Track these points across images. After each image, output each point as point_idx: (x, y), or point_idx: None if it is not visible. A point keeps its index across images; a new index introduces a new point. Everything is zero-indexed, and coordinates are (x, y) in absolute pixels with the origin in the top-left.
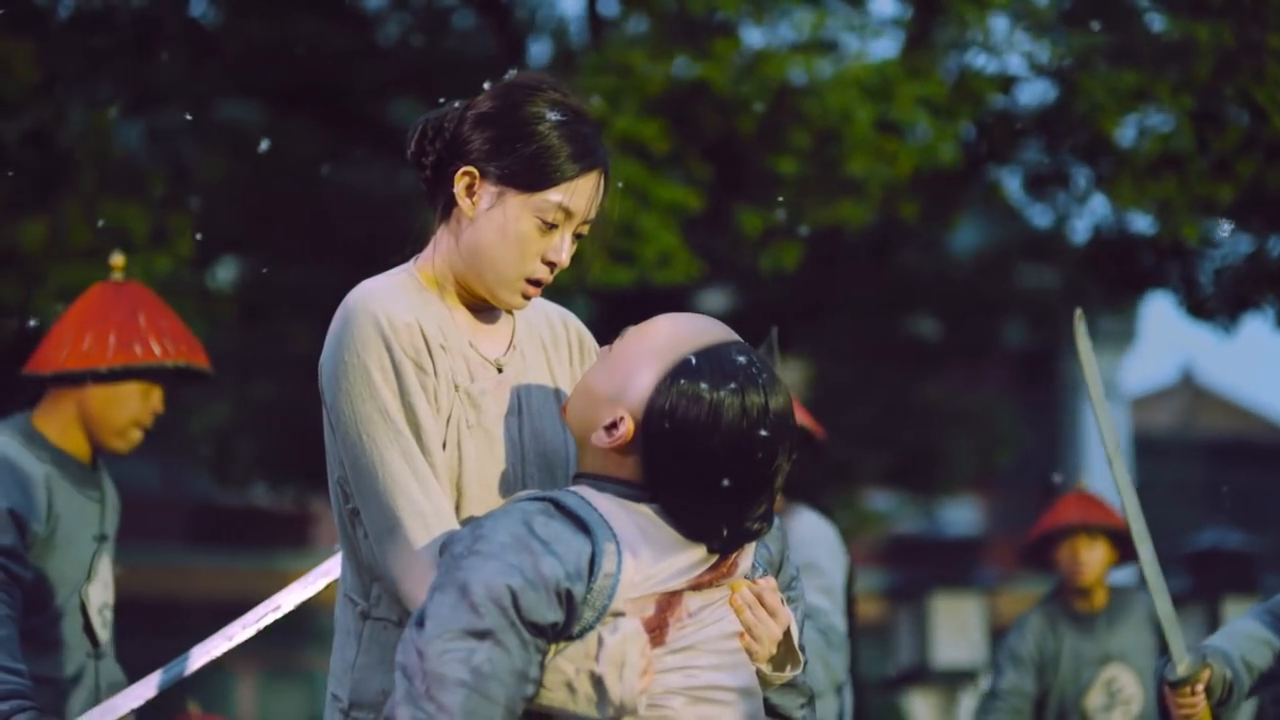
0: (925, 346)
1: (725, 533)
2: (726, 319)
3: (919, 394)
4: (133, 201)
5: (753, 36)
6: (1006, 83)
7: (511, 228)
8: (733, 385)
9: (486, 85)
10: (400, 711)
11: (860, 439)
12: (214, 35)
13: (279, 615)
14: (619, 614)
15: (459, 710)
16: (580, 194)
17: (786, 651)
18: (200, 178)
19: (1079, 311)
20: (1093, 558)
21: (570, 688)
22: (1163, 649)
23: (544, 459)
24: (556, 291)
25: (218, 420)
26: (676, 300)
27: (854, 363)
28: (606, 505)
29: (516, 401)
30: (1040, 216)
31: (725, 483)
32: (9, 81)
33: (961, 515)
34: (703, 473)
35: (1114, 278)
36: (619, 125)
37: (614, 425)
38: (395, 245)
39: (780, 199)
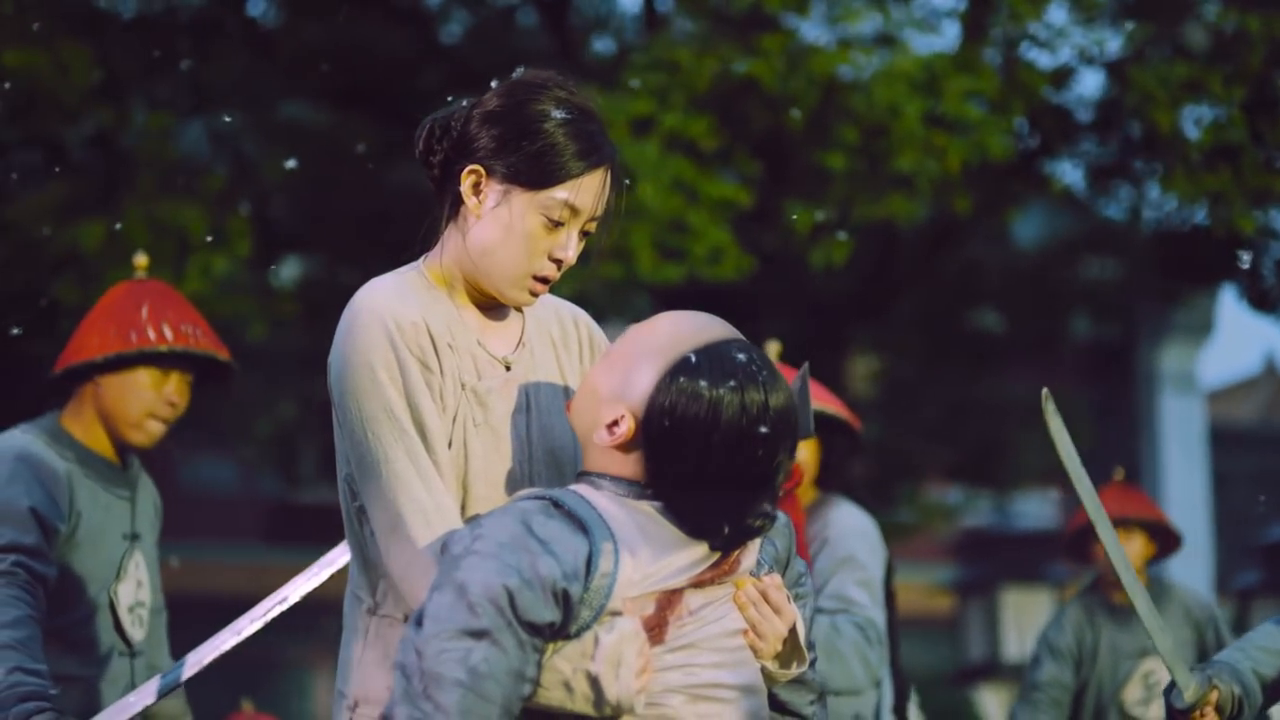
0: (991, 340)
1: (726, 530)
2: (790, 316)
3: (986, 388)
4: (191, 202)
5: (813, 32)
6: (1059, 76)
7: (517, 225)
8: (732, 383)
9: (494, 84)
10: (398, 710)
11: (927, 433)
12: (273, 35)
13: (285, 608)
14: (616, 613)
15: (455, 709)
16: (586, 191)
17: (792, 648)
18: (262, 177)
19: (1045, 391)
20: (1129, 551)
21: (568, 687)
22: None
23: (552, 456)
24: (612, 289)
25: (284, 419)
26: (737, 297)
27: (920, 357)
28: (605, 504)
29: (525, 399)
30: (1104, 209)
31: (726, 480)
32: (67, 85)
33: (1036, 509)
34: (703, 470)
35: (1178, 271)
36: (667, 122)
37: (615, 424)
38: None
39: (814, 200)
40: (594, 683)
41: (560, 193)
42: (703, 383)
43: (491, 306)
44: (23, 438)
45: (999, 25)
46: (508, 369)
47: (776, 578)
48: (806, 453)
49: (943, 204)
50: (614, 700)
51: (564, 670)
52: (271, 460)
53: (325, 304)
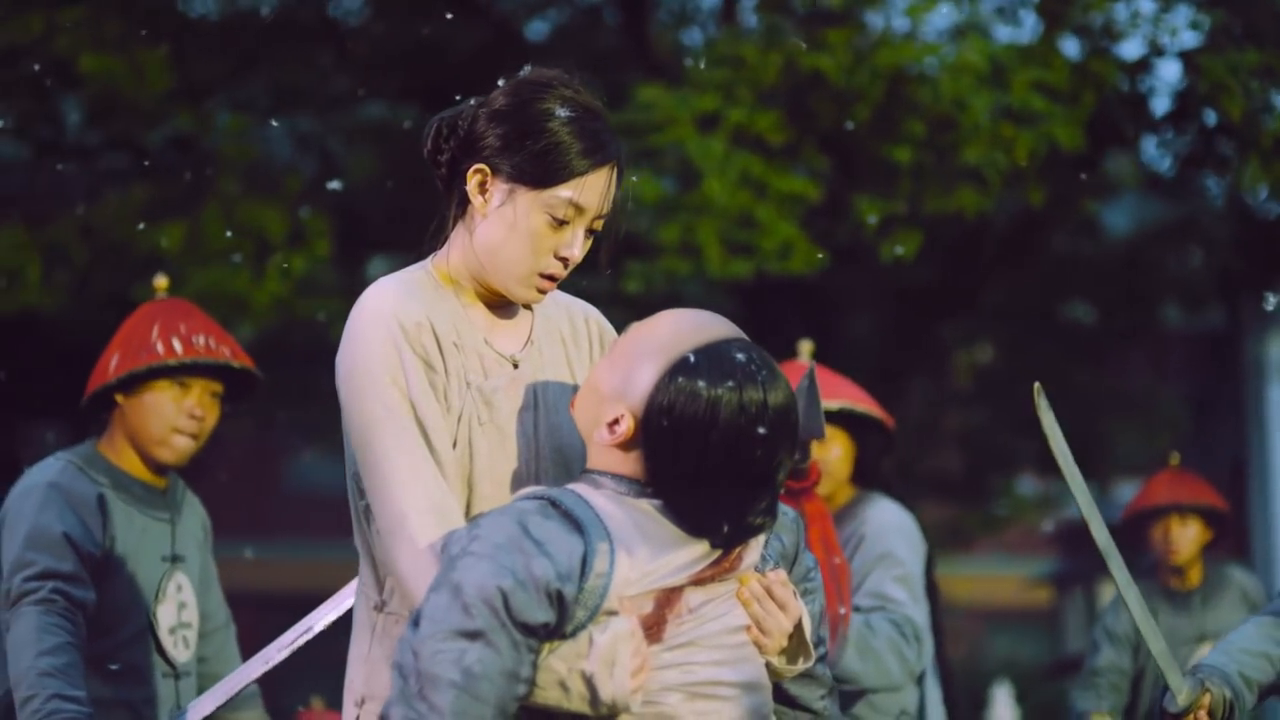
0: (1086, 331)
1: (726, 529)
2: (873, 310)
3: (1083, 379)
4: (272, 203)
5: (894, 22)
6: (1133, 66)
7: (522, 224)
8: (730, 383)
9: (501, 82)
10: (394, 711)
11: (1021, 425)
12: (356, 34)
13: (310, 637)
14: (613, 613)
15: (449, 710)
16: (591, 190)
17: (798, 644)
18: (347, 178)
19: (1037, 386)
20: (1185, 536)
21: (563, 686)
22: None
23: (560, 454)
24: (683, 281)
25: None
26: (816, 291)
27: (1013, 349)
28: (603, 503)
29: (533, 397)
30: (1191, 198)
31: (724, 480)
32: (143, 89)
33: None
34: (702, 470)
35: (1265, 259)
36: (734, 117)
37: (615, 422)
38: None
39: (883, 194)
40: (589, 682)
41: (565, 191)
42: (701, 383)
43: (500, 305)
44: (56, 465)
45: (1074, 16)
46: (515, 367)
47: (782, 573)
48: (839, 450)
49: (1015, 196)
50: (609, 699)
51: (559, 670)
52: None
53: None
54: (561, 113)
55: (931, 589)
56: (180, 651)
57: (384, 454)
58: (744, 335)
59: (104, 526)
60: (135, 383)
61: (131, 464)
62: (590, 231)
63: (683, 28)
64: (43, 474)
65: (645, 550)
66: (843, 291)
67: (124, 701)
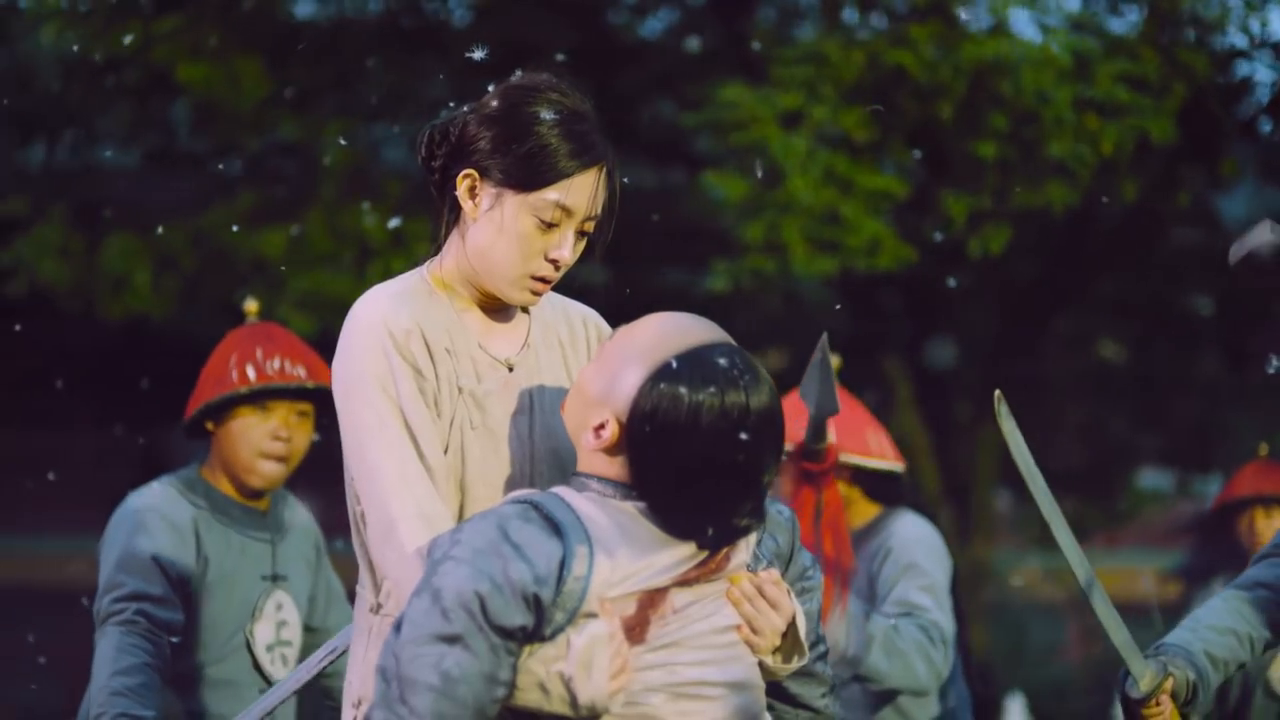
0: (1204, 322)
1: (711, 531)
2: (980, 304)
3: (1202, 372)
4: (373, 206)
5: (997, 19)
6: (1224, 57)
7: (510, 227)
8: (712, 388)
9: (490, 87)
10: (376, 714)
11: (1141, 419)
12: (461, 37)
13: (335, 657)
14: (592, 615)
15: (428, 713)
16: (579, 191)
17: (793, 643)
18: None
19: (998, 393)
20: (1271, 528)
21: (543, 689)
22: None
23: (555, 456)
24: (790, 280)
25: None
26: (919, 286)
27: (1127, 341)
28: (585, 506)
29: (528, 400)
30: None
31: (708, 483)
32: (240, 96)
33: None
34: (685, 474)
35: None
36: (816, 115)
37: (601, 427)
38: (657, 241)
39: (970, 189)
40: (567, 684)
41: (551, 194)
42: (683, 388)
43: (497, 309)
44: (157, 488)
45: (1169, 7)
46: (510, 370)
47: (774, 573)
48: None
49: (1108, 190)
50: (587, 701)
51: (538, 672)
52: None
53: None
54: (548, 116)
55: (958, 605)
56: (277, 669)
57: (375, 461)
58: (729, 339)
59: (198, 548)
60: (220, 412)
61: (228, 488)
62: (582, 233)
63: (790, 26)
64: (141, 498)
65: (627, 552)
66: (950, 287)
67: (218, 716)
